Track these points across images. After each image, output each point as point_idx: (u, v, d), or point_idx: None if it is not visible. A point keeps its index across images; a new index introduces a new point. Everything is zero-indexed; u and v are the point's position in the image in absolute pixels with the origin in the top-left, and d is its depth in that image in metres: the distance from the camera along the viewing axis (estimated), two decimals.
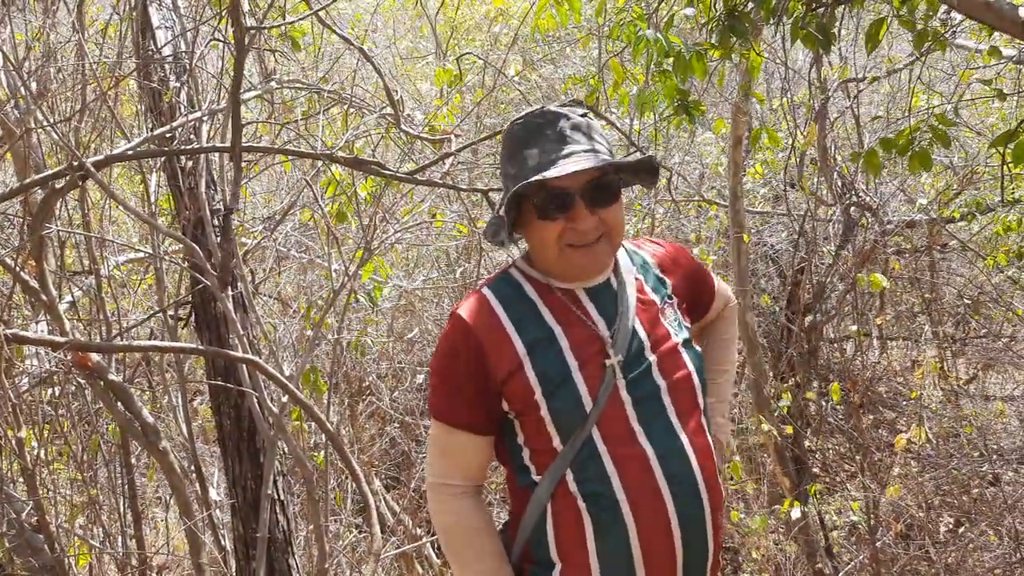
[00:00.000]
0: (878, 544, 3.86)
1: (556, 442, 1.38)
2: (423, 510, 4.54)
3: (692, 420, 1.42)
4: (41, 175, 2.32)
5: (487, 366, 1.40)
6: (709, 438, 1.46)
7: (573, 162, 1.35)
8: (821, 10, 2.09)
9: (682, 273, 1.58)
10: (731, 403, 1.73)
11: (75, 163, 2.20)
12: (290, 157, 3.06)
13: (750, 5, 2.13)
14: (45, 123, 2.43)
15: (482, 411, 1.43)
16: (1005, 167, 2.08)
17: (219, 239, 2.63)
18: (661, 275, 1.54)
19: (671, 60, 2.24)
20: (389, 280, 3.96)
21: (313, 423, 3.76)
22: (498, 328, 1.42)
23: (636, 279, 1.49)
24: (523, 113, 1.47)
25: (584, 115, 1.44)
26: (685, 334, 1.49)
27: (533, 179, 1.36)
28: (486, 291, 1.47)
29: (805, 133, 4.01)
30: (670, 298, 1.51)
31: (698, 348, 1.51)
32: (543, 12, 2.94)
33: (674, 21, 2.43)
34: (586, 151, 1.38)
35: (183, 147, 2.60)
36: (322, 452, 3.41)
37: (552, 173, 1.34)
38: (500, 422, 1.45)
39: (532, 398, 1.38)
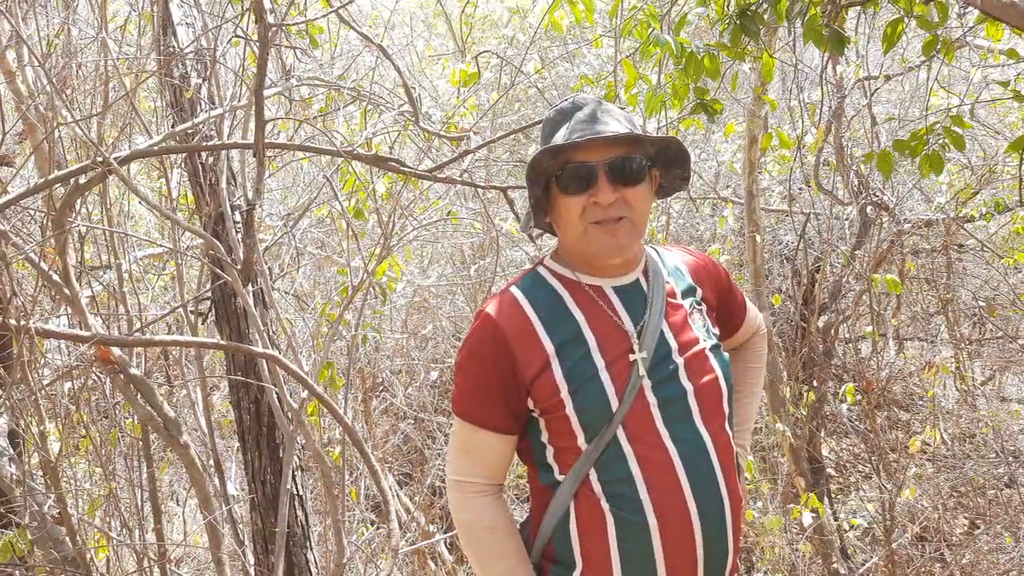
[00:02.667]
0: (894, 545, 3.85)
1: (581, 441, 1.38)
2: (436, 507, 4.55)
3: (717, 424, 1.42)
4: (65, 171, 2.34)
5: (516, 366, 1.40)
6: (733, 443, 1.46)
7: (594, 134, 1.37)
8: (833, 11, 2.09)
9: (713, 283, 1.58)
10: (751, 431, 1.74)
11: (99, 159, 2.22)
12: (310, 154, 3.07)
13: (764, 5, 2.13)
14: (68, 119, 2.45)
15: (507, 411, 1.42)
16: (1022, 169, 2.07)
17: (241, 234, 2.64)
18: (692, 282, 1.54)
19: (683, 61, 2.24)
20: (403, 276, 3.97)
21: (327, 419, 3.78)
22: (527, 327, 1.42)
23: (667, 282, 1.49)
24: (559, 101, 1.50)
25: (623, 107, 1.46)
26: (713, 340, 1.49)
27: (550, 145, 1.38)
28: (514, 290, 1.47)
29: (814, 134, 3.99)
30: (700, 304, 1.51)
31: (726, 355, 1.51)
32: (556, 10, 2.94)
33: (687, 19, 2.43)
34: (611, 130, 1.39)
35: (207, 143, 2.62)
36: (337, 448, 3.42)
37: (570, 139, 1.37)
38: (525, 422, 1.45)
39: (557, 396, 1.38)
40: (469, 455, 1.46)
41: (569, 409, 1.37)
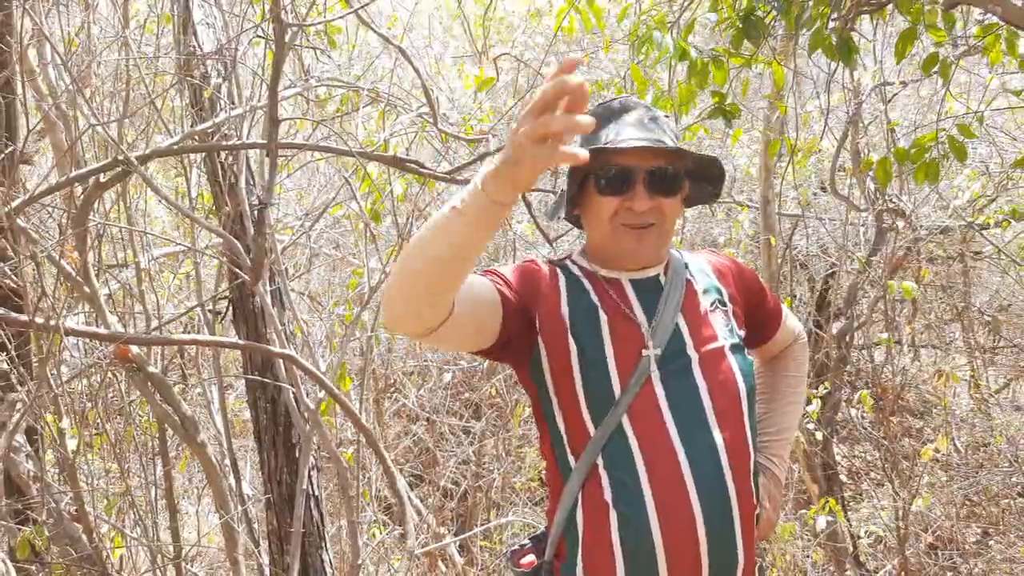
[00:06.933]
0: (907, 553, 3.82)
1: (588, 423, 1.39)
2: (447, 509, 4.55)
3: (731, 424, 1.40)
4: (86, 169, 2.34)
5: (537, 299, 1.42)
6: (750, 444, 1.43)
7: (643, 142, 1.38)
8: (841, 21, 2.08)
9: (740, 286, 1.56)
10: (791, 442, 1.71)
11: (120, 157, 2.22)
12: (327, 154, 3.07)
13: (771, 12, 2.13)
14: (91, 118, 2.46)
15: (509, 288, 1.39)
16: None
17: (252, 233, 2.64)
18: (717, 282, 1.53)
19: (687, 65, 2.24)
20: None
21: (339, 419, 3.78)
22: (555, 287, 1.45)
23: (687, 280, 1.49)
24: (607, 99, 1.50)
25: (667, 116, 1.46)
26: (735, 339, 1.47)
27: (597, 146, 1.38)
28: (551, 263, 1.51)
29: (831, 139, 3.98)
30: (723, 304, 1.50)
31: (750, 356, 1.49)
32: (565, 16, 2.95)
33: (696, 27, 2.42)
34: (658, 140, 1.39)
35: (222, 143, 2.62)
36: (351, 448, 3.42)
37: (618, 146, 1.37)
38: (513, 314, 1.40)
39: (569, 359, 1.39)
40: None
41: (578, 385, 1.38)
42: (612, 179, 1.39)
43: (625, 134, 1.39)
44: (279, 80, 2.25)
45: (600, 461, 1.37)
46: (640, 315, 1.43)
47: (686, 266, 1.52)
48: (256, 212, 2.65)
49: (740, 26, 2.12)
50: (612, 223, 1.41)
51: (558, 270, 1.49)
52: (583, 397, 1.38)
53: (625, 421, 1.36)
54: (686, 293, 1.47)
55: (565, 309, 1.42)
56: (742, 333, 1.50)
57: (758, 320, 1.60)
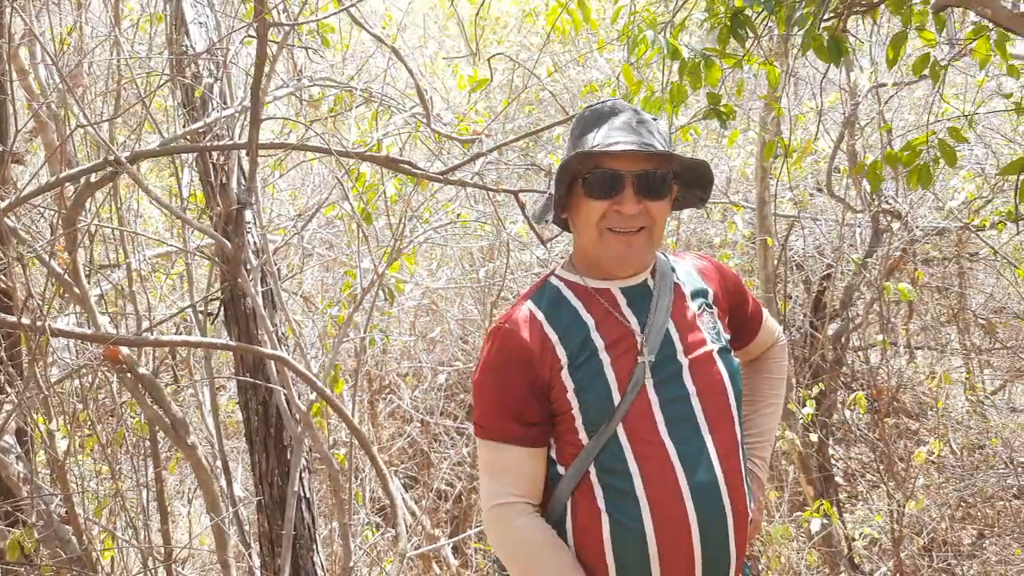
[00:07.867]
0: (902, 555, 3.82)
1: (583, 435, 1.39)
2: (441, 511, 4.54)
3: (721, 426, 1.41)
4: (77, 169, 2.33)
5: (535, 375, 1.40)
6: (740, 447, 1.44)
7: (631, 145, 1.37)
8: (832, 21, 2.07)
9: (723, 285, 1.57)
10: (772, 444, 1.72)
11: (110, 157, 2.21)
12: (320, 154, 3.06)
13: (762, 12, 2.12)
14: (80, 117, 2.44)
15: (532, 421, 1.40)
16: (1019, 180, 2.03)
17: (231, 232, 2.62)
18: (702, 284, 1.54)
19: (678, 64, 2.24)
20: (412, 278, 3.95)
21: (332, 420, 3.77)
22: (544, 339, 1.42)
23: (675, 283, 1.49)
24: (595, 101, 1.50)
25: (655, 118, 1.45)
26: (722, 343, 1.48)
27: (585, 150, 1.38)
28: (528, 304, 1.48)
29: (827, 140, 3.97)
30: (710, 307, 1.51)
31: (736, 359, 1.50)
32: (557, 17, 2.95)
33: (692, 27, 2.41)
34: (646, 144, 1.39)
35: (205, 144, 2.60)
36: (343, 450, 3.41)
37: (606, 149, 1.37)
38: (549, 433, 1.43)
39: (565, 395, 1.39)
40: (500, 475, 1.41)
41: (575, 409, 1.38)
42: (600, 182, 1.39)
43: (613, 137, 1.39)
44: (261, 79, 2.22)
45: (592, 469, 1.38)
46: (633, 322, 1.43)
47: (673, 269, 1.52)
48: (235, 212, 2.65)
49: (727, 24, 2.10)
50: (600, 227, 1.41)
51: (535, 309, 1.45)
52: (579, 410, 1.39)
53: (620, 429, 1.37)
54: (675, 298, 1.47)
55: (560, 349, 1.40)
56: (728, 336, 1.51)
57: (739, 320, 1.61)
